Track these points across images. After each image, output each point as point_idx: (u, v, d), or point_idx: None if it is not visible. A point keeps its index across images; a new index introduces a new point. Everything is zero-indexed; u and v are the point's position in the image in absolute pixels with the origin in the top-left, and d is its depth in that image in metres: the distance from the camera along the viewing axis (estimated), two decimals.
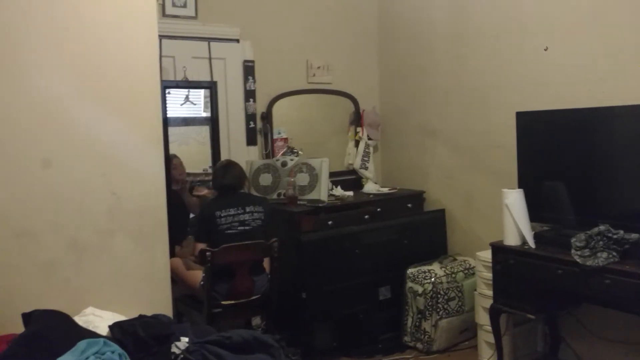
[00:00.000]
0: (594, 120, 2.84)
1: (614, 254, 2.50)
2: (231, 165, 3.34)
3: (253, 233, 3.17)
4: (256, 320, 3.65)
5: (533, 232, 2.91)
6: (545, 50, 2.99)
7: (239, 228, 3.16)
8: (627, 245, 2.52)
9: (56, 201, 2.37)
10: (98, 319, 2.30)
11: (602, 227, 2.59)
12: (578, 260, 2.54)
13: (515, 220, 2.88)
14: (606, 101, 2.91)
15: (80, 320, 2.27)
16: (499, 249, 2.97)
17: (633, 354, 2.89)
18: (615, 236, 2.54)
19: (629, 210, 2.70)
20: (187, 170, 3.82)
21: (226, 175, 3.27)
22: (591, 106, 2.93)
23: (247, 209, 3.21)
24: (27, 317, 2.14)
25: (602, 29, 2.99)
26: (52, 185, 2.36)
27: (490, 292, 3.07)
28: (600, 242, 2.55)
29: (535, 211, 2.96)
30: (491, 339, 3.11)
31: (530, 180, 3.08)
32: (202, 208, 3.32)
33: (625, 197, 2.74)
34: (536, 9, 3.33)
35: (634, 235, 2.53)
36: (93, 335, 2.09)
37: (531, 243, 2.85)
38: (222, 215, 3.15)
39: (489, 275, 3.11)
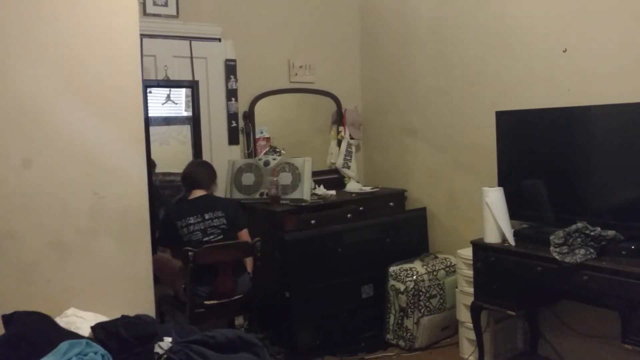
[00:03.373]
0: (572, 119, 2.89)
1: (591, 250, 2.55)
2: (205, 164, 3.42)
3: (219, 242, 3.14)
4: (239, 320, 3.65)
5: (513, 230, 2.95)
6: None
7: (203, 239, 3.11)
8: (603, 242, 2.57)
9: (37, 201, 2.34)
10: (80, 320, 2.28)
11: (579, 225, 2.63)
12: (557, 257, 2.59)
13: (495, 218, 2.92)
14: (584, 101, 2.96)
15: (61, 321, 2.25)
16: (479, 247, 3.01)
17: (609, 349, 2.95)
18: (592, 233, 2.58)
19: (605, 207, 2.75)
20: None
21: (196, 170, 3.32)
22: (569, 105, 2.98)
23: (207, 216, 3.16)
24: (8, 319, 2.12)
25: (581, 30, 3.05)
26: (32, 185, 2.33)
27: (471, 290, 3.11)
28: (578, 239, 2.59)
29: (515, 209, 3.00)
30: (472, 335, 3.15)
31: (510, 178, 3.13)
32: (164, 214, 3.29)
33: (602, 194, 2.79)
34: (517, 11, 3.38)
35: (610, 232, 2.58)
36: (75, 336, 2.07)
37: (511, 240, 2.89)
38: (182, 225, 3.13)
39: (469, 272, 3.15)
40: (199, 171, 3.32)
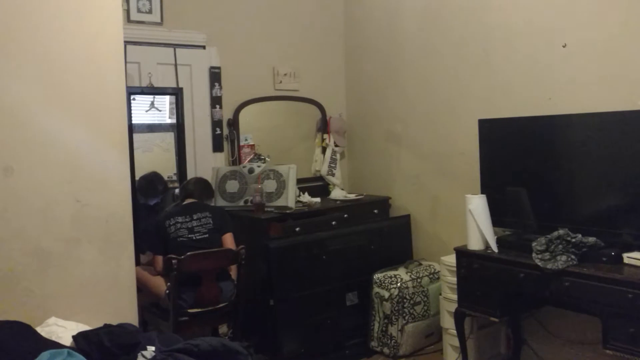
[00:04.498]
0: (554, 127, 2.93)
1: (573, 257, 2.58)
2: (202, 180, 3.59)
3: (204, 241, 3.20)
4: (223, 328, 3.63)
5: (496, 237, 2.98)
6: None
7: (188, 236, 3.20)
8: (584, 248, 2.61)
9: (18, 209, 2.31)
10: (61, 330, 2.25)
11: (561, 232, 2.66)
12: (539, 263, 2.62)
13: (478, 225, 2.94)
14: (565, 109, 3.00)
15: (42, 331, 2.21)
16: (463, 254, 3.03)
17: (591, 354, 2.98)
18: (573, 240, 2.62)
19: (586, 214, 2.79)
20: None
21: (190, 182, 3.51)
22: (551, 114, 3.02)
23: (195, 217, 3.27)
24: None
25: (561, 41, 3.09)
26: (14, 192, 2.30)
27: (454, 296, 3.12)
28: (560, 246, 2.62)
29: (497, 216, 3.03)
30: (456, 342, 3.16)
31: (492, 186, 3.16)
32: (156, 221, 3.36)
33: (583, 202, 2.83)
34: (498, 22, 3.43)
35: (591, 239, 2.62)
36: (56, 346, 2.04)
37: (494, 247, 2.92)
38: (170, 224, 3.22)
39: (453, 279, 3.16)
40: (193, 183, 3.51)
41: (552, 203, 2.93)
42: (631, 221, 2.62)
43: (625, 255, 2.54)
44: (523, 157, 3.06)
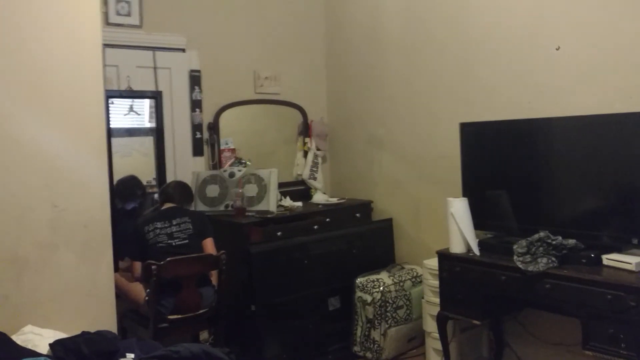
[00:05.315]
0: (534, 131, 2.96)
1: (553, 259, 2.60)
2: (181, 183, 3.55)
3: (184, 246, 3.16)
4: (204, 335, 3.59)
5: (477, 240, 2.99)
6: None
7: (167, 241, 3.15)
8: (565, 250, 2.63)
9: None
10: (38, 338, 2.20)
11: (542, 234, 2.69)
12: (520, 266, 2.63)
13: (460, 228, 2.95)
14: (545, 113, 3.03)
15: (18, 339, 2.17)
16: (445, 257, 3.03)
17: (572, 355, 3.00)
18: (554, 242, 2.64)
19: (566, 217, 2.82)
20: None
21: (170, 186, 3.48)
22: (531, 117, 3.05)
23: (174, 222, 3.23)
24: None
25: (540, 43, 3.13)
26: None
27: (437, 300, 3.13)
28: (541, 248, 2.64)
29: (479, 219, 3.04)
30: (439, 345, 3.16)
31: (474, 189, 3.18)
32: (134, 226, 3.31)
33: (563, 204, 2.86)
34: (481, 23, 3.45)
35: (571, 241, 2.64)
36: (32, 354, 2.00)
37: (476, 250, 2.93)
38: (149, 229, 3.17)
39: (435, 282, 3.17)
40: (173, 187, 3.47)
41: (533, 206, 2.95)
42: (610, 223, 2.66)
43: (604, 257, 2.57)
44: (504, 160, 3.09)
